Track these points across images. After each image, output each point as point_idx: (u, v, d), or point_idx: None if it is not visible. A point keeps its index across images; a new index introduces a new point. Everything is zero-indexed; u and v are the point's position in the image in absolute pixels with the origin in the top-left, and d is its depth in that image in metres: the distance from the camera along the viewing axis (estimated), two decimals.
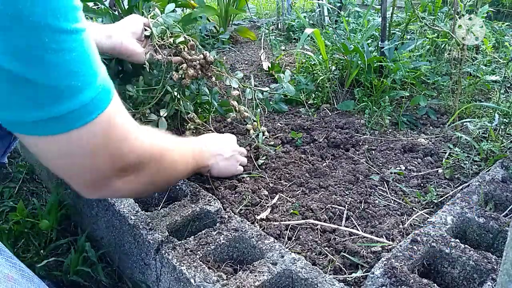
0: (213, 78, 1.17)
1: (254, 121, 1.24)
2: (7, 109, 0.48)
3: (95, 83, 0.52)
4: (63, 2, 0.46)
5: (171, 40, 1.11)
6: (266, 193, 0.99)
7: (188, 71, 1.10)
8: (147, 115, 1.13)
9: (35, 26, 0.44)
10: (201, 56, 1.12)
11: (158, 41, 1.09)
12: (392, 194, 1.00)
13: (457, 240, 0.76)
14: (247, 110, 1.22)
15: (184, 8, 2.20)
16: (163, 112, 1.13)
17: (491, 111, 1.32)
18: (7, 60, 0.44)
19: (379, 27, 1.52)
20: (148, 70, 1.09)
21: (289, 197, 0.98)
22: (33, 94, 0.47)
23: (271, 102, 1.46)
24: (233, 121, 1.32)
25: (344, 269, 0.78)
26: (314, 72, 1.58)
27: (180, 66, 1.12)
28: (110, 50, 1.04)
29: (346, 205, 0.95)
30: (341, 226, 0.89)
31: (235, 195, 0.98)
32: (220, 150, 0.99)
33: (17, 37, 0.43)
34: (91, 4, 1.42)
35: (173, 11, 1.17)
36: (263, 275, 0.69)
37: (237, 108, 1.19)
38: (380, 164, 1.13)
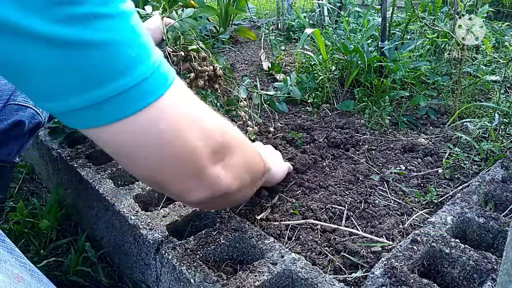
0: (219, 91, 1.17)
1: (258, 123, 1.24)
2: (54, 97, 0.41)
3: (151, 57, 0.45)
4: None
5: (185, 47, 1.10)
6: (266, 193, 0.99)
7: (198, 82, 1.09)
8: None
9: None
10: (211, 68, 1.10)
11: (170, 47, 1.08)
12: (392, 194, 1.00)
13: (457, 240, 0.75)
14: (252, 118, 1.22)
15: (184, 8, 2.20)
16: None
17: (491, 111, 1.32)
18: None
19: (379, 27, 1.52)
20: None
21: (289, 197, 0.98)
22: (84, 68, 0.40)
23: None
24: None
25: (344, 269, 0.78)
26: (314, 72, 1.58)
27: (188, 75, 1.10)
28: None
29: (346, 205, 0.95)
30: (341, 226, 0.89)
31: None
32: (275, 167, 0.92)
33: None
34: None
35: (191, 17, 1.13)
36: (263, 275, 0.69)
37: (243, 119, 1.18)
38: (380, 164, 1.13)
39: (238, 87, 1.20)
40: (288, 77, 1.44)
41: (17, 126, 0.88)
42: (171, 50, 1.07)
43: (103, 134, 0.44)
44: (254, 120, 1.24)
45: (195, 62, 1.09)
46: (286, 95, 1.45)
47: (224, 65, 1.16)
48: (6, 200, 1.12)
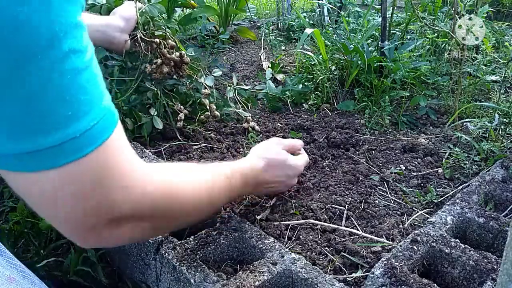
0: (184, 79, 1.18)
1: (246, 118, 1.25)
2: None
3: (99, 106, 0.42)
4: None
5: (153, 32, 1.11)
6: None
7: (163, 68, 1.10)
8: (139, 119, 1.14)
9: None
10: (178, 54, 1.12)
11: (141, 32, 1.09)
12: (392, 194, 1.00)
13: (457, 240, 0.75)
14: (219, 108, 1.25)
15: (184, 8, 2.20)
16: (153, 111, 1.13)
17: (491, 111, 1.32)
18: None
19: (379, 27, 1.52)
20: (123, 60, 1.09)
21: (289, 197, 0.98)
22: (23, 118, 0.37)
23: (261, 101, 1.45)
24: (234, 120, 1.33)
25: (344, 269, 0.78)
26: (314, 72, 1.58)
27: (155, 61, 1.12)
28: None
29: (346, 205, 0.95)
30: (341, 226, 0.89)
31: None
32: (275, 185, 0.87)
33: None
34: None
35: (161, 2, 1.15)
36: (263, 275, 0.69)
37: (207, 107, 1.19)
38: (380, 164, 1.13)
39: (206, 76, 1.21)
40: (265, 72, 1.43)
41: None
42: (141, 35, 1.08)
43: (19, 177, 0.41)
44: (243, 116, 1.25)
45: (164, 49, 1.10)
46: (264, 91, 1.43)
47: (194, 55, 1.17)
48: None
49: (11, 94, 0.35)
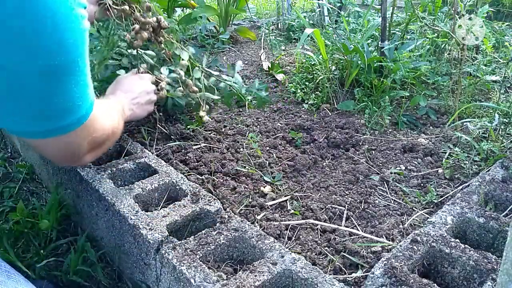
0: (162, 45, 1.15)
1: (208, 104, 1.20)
2: (23, 122, 0.60)
3: (89, 100, 0.64)
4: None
5: None
6: (266, 192, 0.99)
7: (142, 33, 1.07)
8: None
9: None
10: (155, 19, 1.09)
11: None
12: (392, 194, 1.00)
13: (457, 240, 0.75)
14: (199, 85, 1.19)
15: (184, 8, 2.20)
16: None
17: (491, 111, 1.32)
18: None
19: (379, 27, 1.52)
20: (96, 30, 1.07)
21: (289, 197, 0.98)
22: (46, 110, 0.59)
23: (250, 98, 1.38)
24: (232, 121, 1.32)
25: (344, 269, 0.78)
26: (314, 72, 1.58)
27: (133, 27, 1.08)
28: None
29: (346, 205, 0.95)
30: (341, 226, 0.89)
31: (235, 195, 0.98)
32: (138, 99, 1.05)
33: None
34: None
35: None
36: (263, 275, 0.69)
37: (183, 79, 1.16)
38: (380, 164, 1.13)
39: (182, 49, 1.19)
40: (232, 65, 1.37)
41: None
42: (111, 3, 1.04)
43: (40, 142, 0.65)
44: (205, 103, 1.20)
45: (138, 12, 1.06)
46: (228, 83, 1.35)
47: (170, 27, 1.15)
48: None
49: (42, 93, 0.56)
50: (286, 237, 0.86)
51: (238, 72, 1.34)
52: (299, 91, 1.58)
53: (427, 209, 0.94)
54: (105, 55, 1.12)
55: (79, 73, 0.58)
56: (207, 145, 1.21)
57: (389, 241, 0.83)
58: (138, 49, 1.12)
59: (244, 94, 1.32)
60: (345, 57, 1.49)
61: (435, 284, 0.66)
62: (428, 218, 0.89)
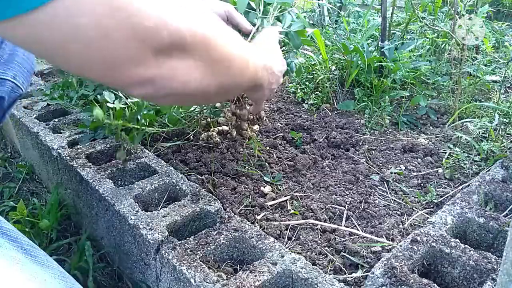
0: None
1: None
2: None
3: None
4: None
5: None
6: (266, 193, 0.99)
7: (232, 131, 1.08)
8: None
9: None
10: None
11: None
12: (392, 194, 1.00)
13: (457, 240, 0.76)
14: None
15: None
16: None
17: (491, 111, 1.32)
18: None
19: (379, 27, 1.52)
20: None
21: (289, 197, 0.98)
22: None
23: None
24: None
25: (344, 269, 0.78)
26: (314, 72, 1.58)
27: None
28: None
29: (346, 205, 0.95)
30: (341, 226, 0.89)
31: (235, 195, 0.98)
32: (275, 65, 0.76)
33: None
34: None
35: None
36: (263, 275, 0.69)
37: None
38: (380, 164, 1.13)
39: None
40: None
41: None
42: None
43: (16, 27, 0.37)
44: None
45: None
46: None
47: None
48: None
49: None
50: (286, 237, 0.86)
51: None
52: (299, 91, 1.58)
53: (427, 209, 0.94)
54: None
55: None
56: (207, 145, 1.21)
57: (389, 241, 0.83)
58: None
59: None
60: (345, 57, 1.49)
61: (435, 284, 0.66)
62: (428, 218, 0.89)
